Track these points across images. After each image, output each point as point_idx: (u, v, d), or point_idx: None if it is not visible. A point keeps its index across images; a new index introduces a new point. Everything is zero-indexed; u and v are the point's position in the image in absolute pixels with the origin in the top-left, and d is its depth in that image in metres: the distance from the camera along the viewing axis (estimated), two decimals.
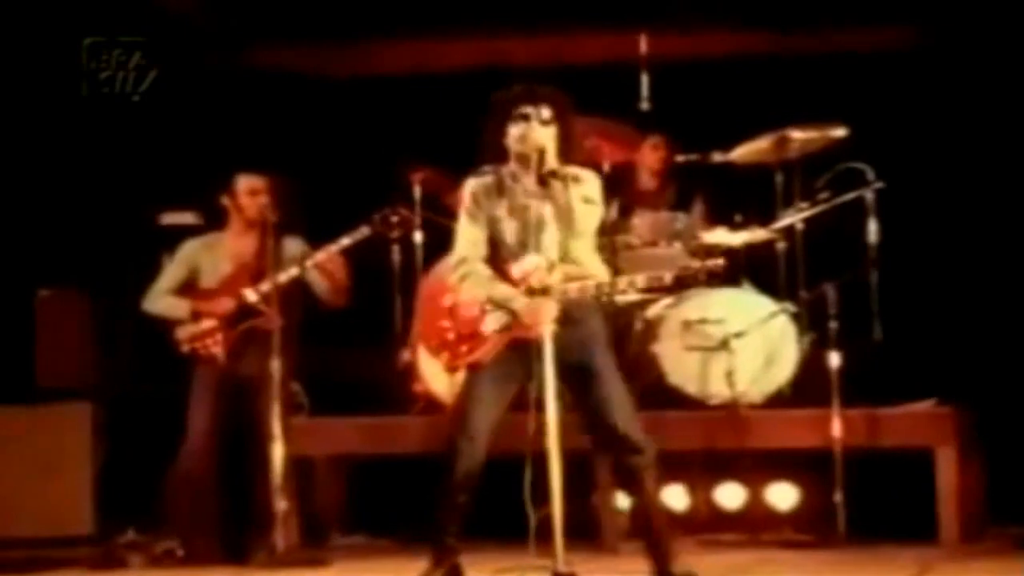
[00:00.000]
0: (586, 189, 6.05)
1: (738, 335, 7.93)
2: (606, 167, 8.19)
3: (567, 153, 6.08)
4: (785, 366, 7.99)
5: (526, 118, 6.00)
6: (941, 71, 8.70)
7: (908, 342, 8.15)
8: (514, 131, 6.03)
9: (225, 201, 7.79)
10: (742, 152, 8.28)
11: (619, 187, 8.41)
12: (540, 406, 5.85)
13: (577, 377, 6.04)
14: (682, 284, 6.35)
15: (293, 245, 7.71)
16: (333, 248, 7.57)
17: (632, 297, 8.03)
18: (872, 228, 7.92)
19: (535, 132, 5.99)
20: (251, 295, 7.59)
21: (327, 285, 7.65)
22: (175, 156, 8.94)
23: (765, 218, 8.15)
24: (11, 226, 9.01)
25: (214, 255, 7.79)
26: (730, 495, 8.25)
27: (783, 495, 8.18)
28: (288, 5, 9.33)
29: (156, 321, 7.81)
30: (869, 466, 7.81)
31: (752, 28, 9.14)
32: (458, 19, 9.06)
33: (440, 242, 8.40)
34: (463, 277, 6.13)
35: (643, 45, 8.80)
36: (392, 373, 8.46)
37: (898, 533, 7.75)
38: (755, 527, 8.17)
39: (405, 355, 8.39)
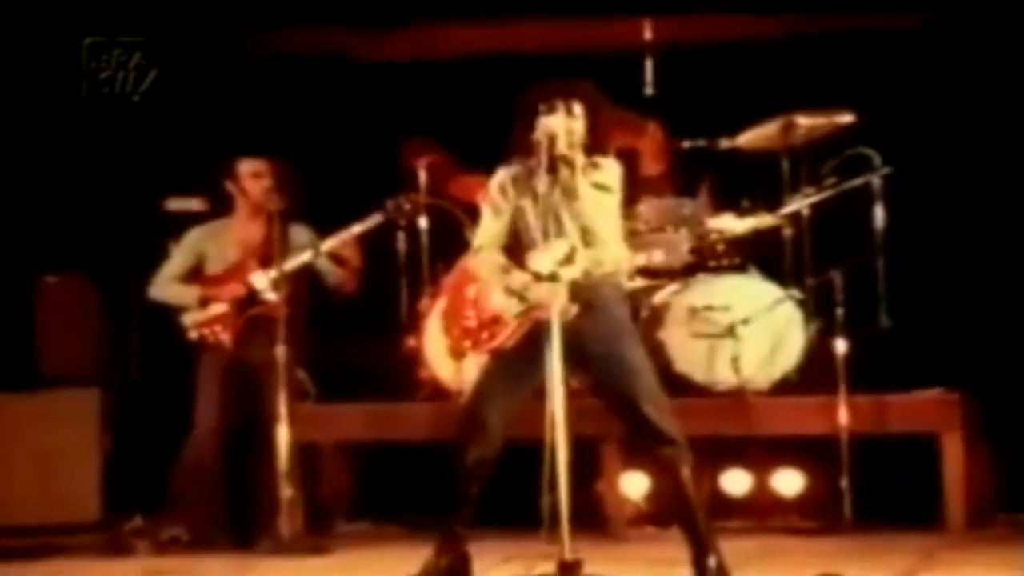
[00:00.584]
0: (601, 176, 6.06)
1: (744, 322, 7.92)
2: (611, 154, 8.16)
3: (594, 146, 6.08)
4: (791, 353, 7.99)
5: (554, 110, 6.01)
6: (948, 56, 8.67)
7: (915, 329, 8.13)
8: (540, 122, 6.02)
9: (229, 186, 7.78)
10: (748, 138, 8.26)
11: (624, 174, 8.38)
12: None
13: (606, 368, 6.04)
14: (701, 256, 6.31)
15: (300, 232, 7.71)
16: (346, 235, 7.57)
17: (638, 283, 8.03)
18: (879, 214, 7.91)
19: (553, 120, 5.99)
20: (259, 280, 7.59)
21: (339, 272, 7.65)
22: (180, 143, 8.92)
23: (772, 204, 8.13)
24: (15, 212, 8.99)
25: (220, 241, 7.79)
26: (736, 481, 8.25)
27: (789, 482, 8.18)
28: None
29: (162, 308, 7.81)
30: (875, 453, 7.82)
31: (757, 13, 9.11)
32: (464, 5, 9.03)
33: (446, 228, 8.42)
34: (480, 265, 6.19)
35: (647, 31, 8.78)
36: (397, 359, 8.46)
37: (904, 520, 7.75)
38: (761, 513, 8.17)
39: (410, 341, 8.39)
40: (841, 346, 7.71)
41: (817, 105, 8.12)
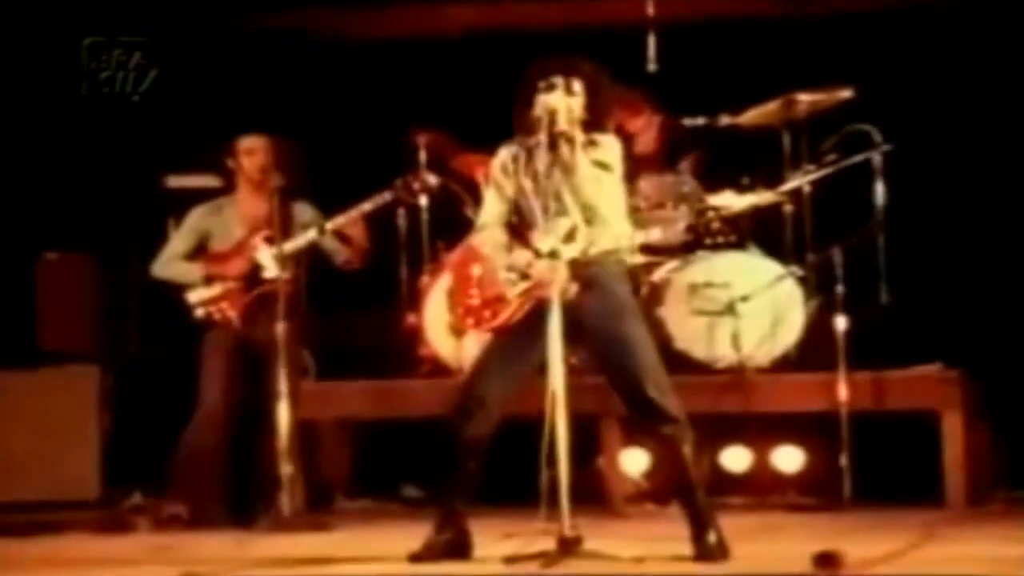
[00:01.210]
0: (601, 153, 6.04)
1: (744, 299, 7.92)
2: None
3: (593, 123, 6.07)
4: (791, 330, 7.98)
5: (553, 87, 6.00)
6: (949, 33, 8.65)
7: (915, 306, 8.13)
8: (539, 99, 6.01)
9: (230, 163, 7.78)
10: (749, 115, 8.25)
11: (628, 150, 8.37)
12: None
13: (607, 346, 6.04)
14: (697, 233, 6.35)
15: (304, 210, 7.71)
16: (355, 213, 7.56)
17: (638, 259, 8.03)
18: (879, 191, 7.90)
19: (552, 97, 5.98)
20: (265, 257, 7.57)
21: (344, 250, 7.63)
22: (181, 121, 8.91)
23: (772, 181, 8.12)
24: (15, 189, 8.99)
25: (224, 219, 7.79)
26: (736, 458, 8.26)
27: (789, 458, 8.20)
28: None
29: (165, 285, 7.81)
30: (875, 430, 7.82)
31: None
32: None
33: (446, 206, 8.41)
34: (483, 243, 6.19)
35: (650, 7, 8.76)
36: (398, 337, 8.46)
37: (903, 497, 7.77)
38: (761, 490, 8.18)
39: (411, 319, 8.39)
40: (841, 323, 7.71)
41: (818, 82, 8.10)
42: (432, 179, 7.87)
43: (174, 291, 7.77)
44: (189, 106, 8.93)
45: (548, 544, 5.82)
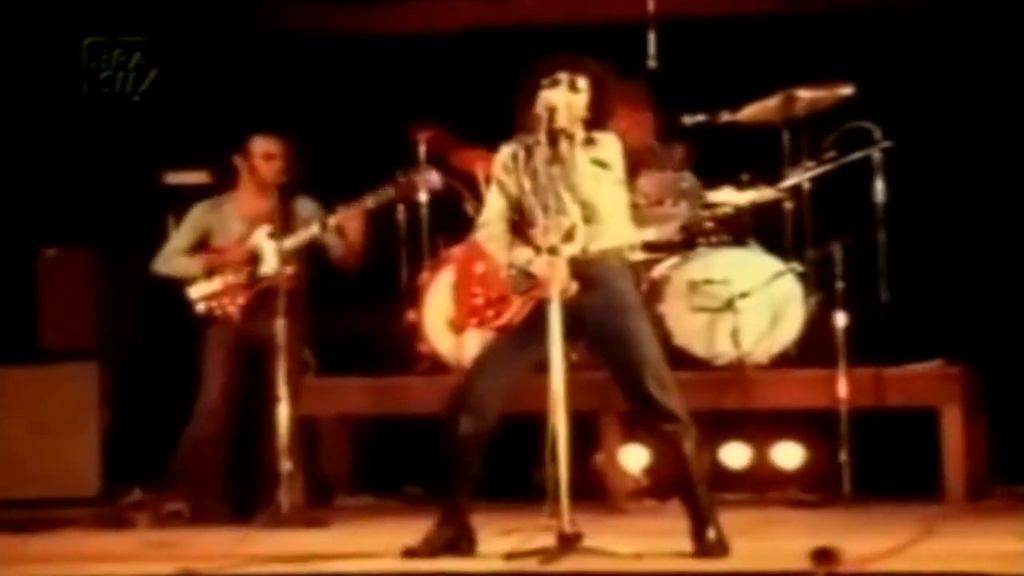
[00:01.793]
0: (599, 152, 6.04)
1: (744, 295, 7.92)
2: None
3: (596, 123, 6.07)
4: (791, 326, 7.99)
5: (556, 83, 6.00)
6: (949, 29, 8.65)
7: (915, 302, 8.14)
8: (541, 95, 6.01)
9: (238, 162, 7.78)
10: (747, 111, 8.24)
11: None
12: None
13: (609, 343, 6.05)
14: (691, 235, 6.38)
15: (306, 205, 7.71)
16: (357, 208, 7.55)
17: (638, 256, 8.03)
18: (879, 187, 7.91)
19: (553, 93, 5.98)
20: (267, 252, 7.57)
21: (344, 246, 7.63)
22: (182, 118, 8.92)
23: (772, 177, 8.12)
24: (15, 184, 8.99)
25: (224, 215, 7.78)
26: (736, 455, 8.26)
27: (789, 455, 8.20)
28: None
29: (165, 281, 7.81)
30: (874, 425, 7.82)
31: None
32: None
33: (446, 202, 8.41)
34: (486, 240, 6.20)
35: (651, 3, 8.75)
36: (397, 333, 8.46)
37: (903, 492, 7.77)
38: (761, 486, 8.18)
39: (410, 315, 8.39)
40: (841, 319, 7.71)
41: (818, 78, 8.10)
42: (434, 175, 7.87)
43: (174, 287, 7.77)
44: (189, 104, 8.93)
45: (548, 540, 5.83)
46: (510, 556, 5.83)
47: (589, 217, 6.00)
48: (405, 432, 8.24)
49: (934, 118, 8.57)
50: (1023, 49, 8.52)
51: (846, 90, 8.00)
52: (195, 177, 8.40)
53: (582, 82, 6.06)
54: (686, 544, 5.99)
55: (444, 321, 8.06)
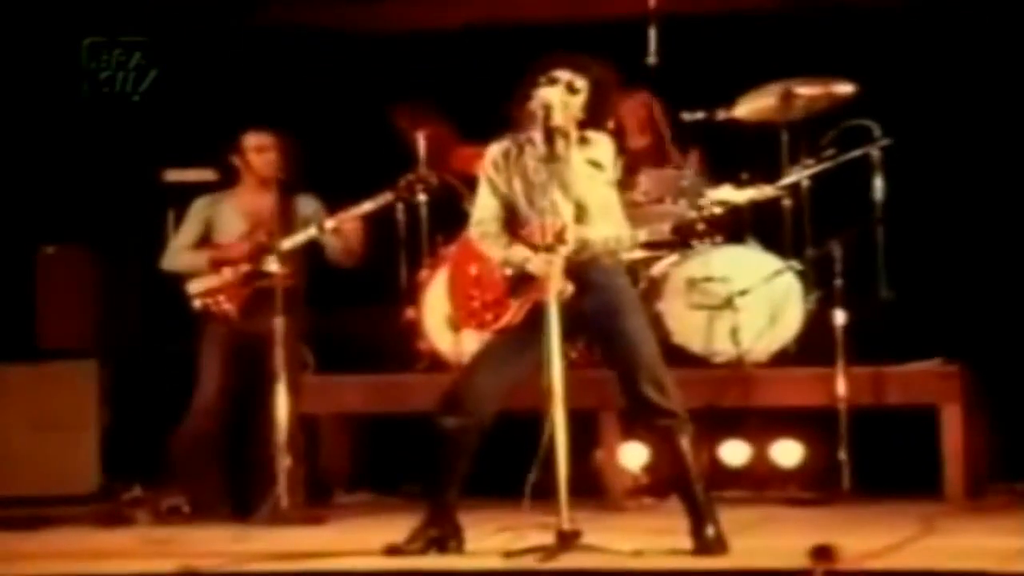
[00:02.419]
0: (593, 152, 6.04)
1: (743, 293, 7.92)
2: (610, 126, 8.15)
3: (591, 124, 6.06)
4: (790, 324, 7.99)
5: (554, 81, 6.00)
6: (948, 27, 8.65)
7: (914, 300, 8.14)
8: (538, 93, 6.01)
9: (235, 160, 7.78)
10: (748, 109, 8.24)
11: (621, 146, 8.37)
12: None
13: (605, 342, 6.07)
14: (683, 235, 6.35)
15: (308, 203, 7.71)
16: (355, 212, 7.54)
17: (636, 255, 8.03)
18: (878, 185, 7.91)
19: (550, 91, 5.97)
20: (273, 263, 7.56)
21: (341, 247, 7.63)
22: (181, 115, 8.92)
23: (771, 175, 8.12)
24: (15, 182, 8.99)
25: (226, 212, 7.78)
26: (735, 452, 8.26)
27: (788, 452, 8.19)
28: None
29: (165, 278, 7.81)
30: (874, 423, 7.82)
31: None
32: None
33: (445, 199, 8.41)
34: (481, 237, 6.19)
35: (651, 0, 8.75)
36: (396, 331, 8.46)
37: (902, 490, 7.77)
38: (760, 484, 8.19)
39: (409, 313, 8.38)
40: (840, 317, 7.71)
41: (817, 75, 8.10)
42: (433, 179, 7.88)
43: (173, 284, 7.76)
44: (189, 103, 8.93)
45: (547, 538, 5.83)
46: (509, 554, 5.83)
47: (581, 217, 6.01)
48: (404, 430, 8.23)
49: (933, 116, 8.57)
50: (1022, 47, 8.52)
51: (845, 88, 8.00)
52: (196, 175, 8.39)
53: (580, 83, 6.05)
54: (685, 542, 6.00)
55: (443, 319, 8.06)
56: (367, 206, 7.56)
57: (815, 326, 7.94)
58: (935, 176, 8.55)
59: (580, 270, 5.99)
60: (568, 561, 5.73)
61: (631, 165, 8.33)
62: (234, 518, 7.49)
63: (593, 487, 7.78)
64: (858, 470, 7.63)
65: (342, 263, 7.68)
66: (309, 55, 9.30)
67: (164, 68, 8.58)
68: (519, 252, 6.07)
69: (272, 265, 7.51)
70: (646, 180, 8.34)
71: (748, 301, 7.93)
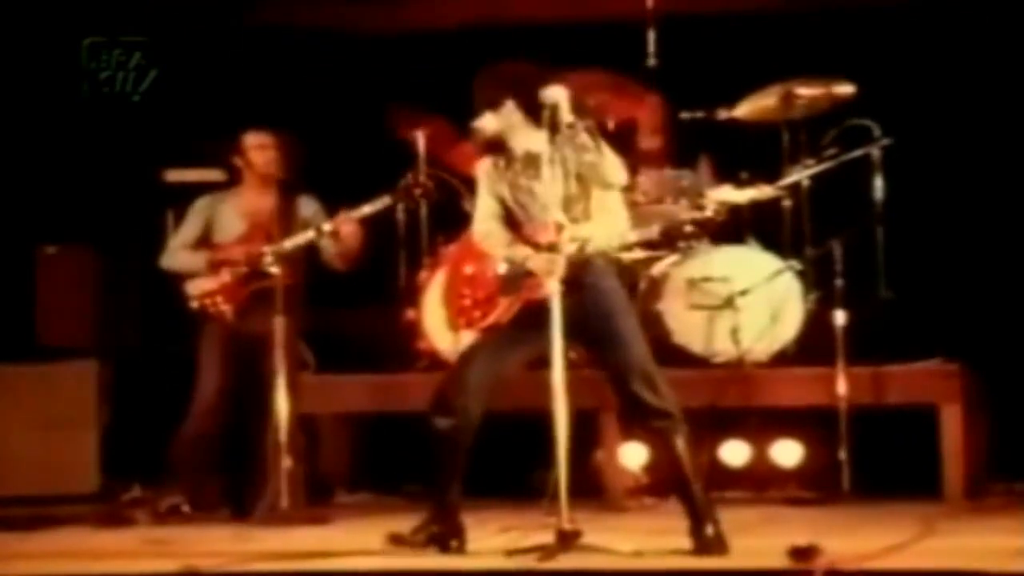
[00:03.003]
0: (590, 152, 6.03)
1: (743, 293, 7.92)
2: (611, 124, 8.16)
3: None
4: (790, 324, 7.98)
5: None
6: (948, 26, 8.65)
7: (914, 300, 8.14)
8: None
9: (236, 160, 7.78)
10: (748, 109, 8.25)
11: (624, 146, 8.36)
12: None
13: (595, 343, 6.07)
14: (671, 237, 6.44)
15: (308, 204, 7.70)
16: (353, 215, 7.54)
17: (636, 255, 8.03)
18: (878, 185, 7.91)
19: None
20: (271, 263, 7.56)
21: (337, 250, 7.62)
22: (182, 115, 8.92)
23: (771, 175, 8.12)
24: (15, 182, 8.99)
25: (228, 211, 7.78)
26: (735, 452, 8.26)
27: (788, 452, 8.20)
28: None
29: (165, 278, 7.81)
30: (874, 423, 7.83)
31: None
32: None
33: (445, 200, 8.40)
34: (483, 237, 6.21)
35: (650, 1, 8.75)
36: (396, 331, 8.46)
37: (902, 490, 7.77)
38: (760, 484, 8.19)
39: (409, 313, 8.39)
40: (840, 317, 7.71)
41: (817, 75, 8.10)
42: (431, 184, 7.89)
43: (174, 284, 7.77)
44: (189, 103, 8.93)
45: (547, 537, 5.83)
46: (509, 553, 5.83)
47: (576, 217, 6.01)
48: (404, 430, 8.22)
49: (933, 115, 8.57)
50: (1022, 47, 8.52)
51: (845, 88, 8.00)
52: (196, 175, 8.39)
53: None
54: (685, 542, 5.99)
55: (442, 319, 8.06)
56: (365, 209, 7.56)
57: (815, 326, 7.94)
58: (935, 176, 8.55)
59: (572, 271, 5.99)
60: (568, 561, 5.73)
61: (637, 165, 8.34)
62: (234, 518, 7.49)
63: (594, 487, 7.77)
64: (858, 470, 7.63)
65: (337, 267, 7.67)
66: (308, 55, 9.30)
67: (164, 68, 8.58)
68: (521, 251, 6.09)
69: (271, 267, 7.51)
70: (646, 180, 8.34)
71: (748, 301, 7.93)
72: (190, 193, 8.02)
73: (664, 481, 7.20)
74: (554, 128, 5.97)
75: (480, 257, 6.25)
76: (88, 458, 8.48)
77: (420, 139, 8.57)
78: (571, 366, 6.07)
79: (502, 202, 6.17)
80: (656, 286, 8.10)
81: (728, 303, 7.94)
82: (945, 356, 7.91)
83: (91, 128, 8.93)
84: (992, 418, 8.13)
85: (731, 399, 7.86)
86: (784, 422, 8.18)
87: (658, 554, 5.92)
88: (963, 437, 7.71)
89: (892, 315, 7.97)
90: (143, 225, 8.48)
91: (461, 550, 6.13)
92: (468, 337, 6.47)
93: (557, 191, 5.99)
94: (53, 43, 8.72)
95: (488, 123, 6.12)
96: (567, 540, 5.80)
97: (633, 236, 6.08)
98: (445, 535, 6.13)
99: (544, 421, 6.00)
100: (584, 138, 5.95)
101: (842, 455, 7.61)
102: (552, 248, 5.95)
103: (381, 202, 7.57)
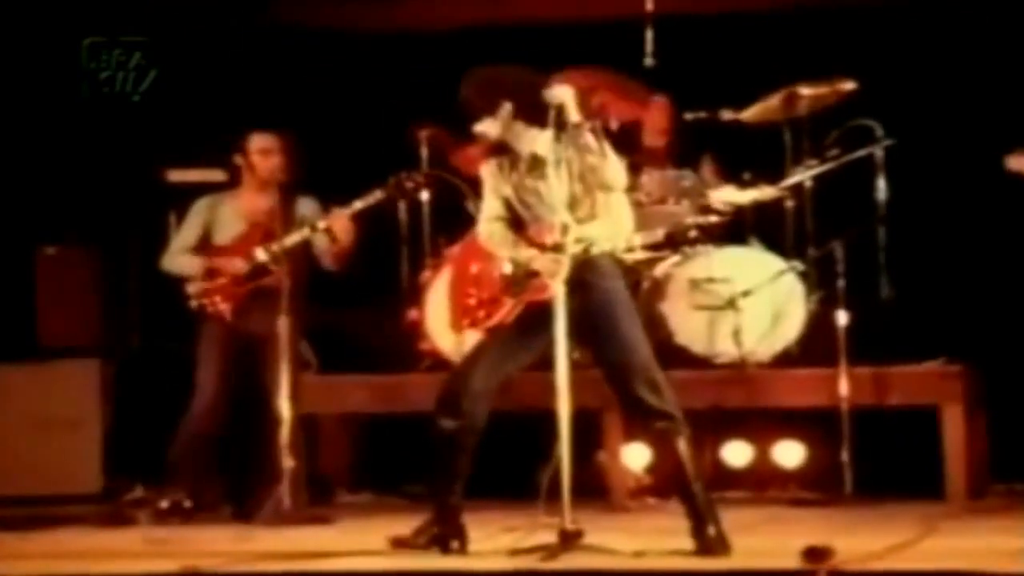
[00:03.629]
0: (593, 154, 6.03)
1: (745, 293, 7.92)
2: (614, 124, 8.15)
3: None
4: (792, 324, 7.98)
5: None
6: (951, 26, 8.65)
7: (916, 300, 8.14)
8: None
9: (238, 160, 7.77)
10: (751, 110, 8.24)
11: (627, 145, 8.36)
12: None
13: (597, 344, 6.06)
14: (674, 240, 6.44)
15: (308, 204, 7.70)
16: (345, 212, 7.54)
17: (639, 256, 8.02)
18: (881, 185, 7.90)
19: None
20: (261, 254, 7.58)
21: (331, 248, 7.61)
22: (183, 115, 8.92)
23: (774, 176, 8.12)
24: (15, 182, 8.99)
25: (227, 212, 7.78)
26: (737, 453, 8.27)
27: (790, 453, 8.20)
28: None
29: (167, 277, 7.81)
30: (876, 424, 7.82)
31: None
32: None
33: (447, 200, 8.41)
34: (488, 237, 6.22)
35: (648, 2, 8.75)
36: (398, 331, 8.46)
37: (904, 491, 7.77)
38: (762, 485, 8.19)
39: (412, 313, 8.38)
40: (842, 318, 7.71)
41: (820, 75, 8.09)
42: (422, 177, 7.88)
43: (175, 284, 7.77)
44: (189, 103, 8.93)
45: (549, 538, 5.83)
46: (512, 553, 5.83)
47: (581, 218, 6.01)
48: (406, 430, 8.22)
49: (936, 116, 8.57)
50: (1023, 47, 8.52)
51: (848, 88, 8.00)
52: (198, 175, 8.39)
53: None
54: (688, 542, 5.99)
55: (445, 320, 8.06)
56: (357, 204, 7.56)
57: (817, 327, 7.93)
58: (938, 177, 8.55)
59: (577, 272, 5.99)
60: (570, 561, 5.73)
61: (640, 165, 8.34)
62: (235, 518, 7.49)
63: (596, 487, 7.77)
64: (860, 470, 7.63)
65: (331, 266, 7.66)
66: (309, 55, 9.29)
67: (164, 68, 8.57)
68: (526, 252, 6.09)
69: (270, 268, 7.51)
70: (648, 181, 8.34)
71: (751, 302, 7.93)
72: (191, 193, 8.02)
73: (666, 482, 7.20)
74: (560, 127, 5.97)
75: (486, 257, 6.25)
76: (90, 458, 8.48)
77: (423, 139, 8.56)
78: (575, 366, 6.06)
79: (507, 203, 6.18)
80: (659, 287, 8.10)
81: (730, 304, 7.93)
82: (947, 357, 7.90)
83: (91, 128, 8.93)
84: (994, 419, 8.12)
85: (733, 400, 7.86)
86: (786, 423, 8.18)
87: (660, 554, 5.92)
88: (965, 438, 7.71)
89: (894, 316, 7.97)
90: (143, 225, 8.47)
91: (463, 551, 6.13)
92: (472, 337, 6.48)
93: (562, 192, 5.99)
94: (53, 43, 8.72)
95: (490, 128, 6.11)
96: (569, 540, 5.81)
97: (638, 239, 6.06)
98: (446, 536, 6.12)
99: (547, 421, 6.00)
100: (588, 138, 5.95)
101: (844, 456, 7.61)
102: (557, 249, 5.95)
103: (373, 197, 7.58)
